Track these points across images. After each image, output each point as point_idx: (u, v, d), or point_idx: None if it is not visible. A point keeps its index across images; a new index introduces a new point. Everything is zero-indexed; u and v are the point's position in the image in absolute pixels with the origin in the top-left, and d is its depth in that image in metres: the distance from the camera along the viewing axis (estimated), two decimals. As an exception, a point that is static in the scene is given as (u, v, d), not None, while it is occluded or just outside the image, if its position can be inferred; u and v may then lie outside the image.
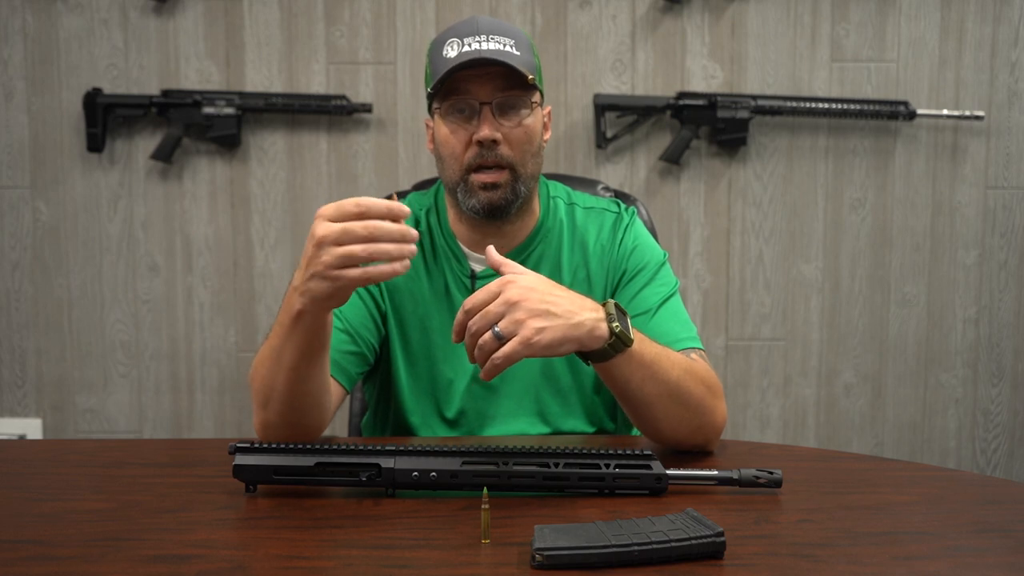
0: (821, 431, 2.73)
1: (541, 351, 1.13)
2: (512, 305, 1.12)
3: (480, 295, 1.13)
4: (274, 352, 1.21)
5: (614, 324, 1.17)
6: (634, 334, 1.20)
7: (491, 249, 1.21)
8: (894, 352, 2.71)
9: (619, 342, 1.18)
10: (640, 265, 1.46)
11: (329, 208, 1.09)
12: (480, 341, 1.12)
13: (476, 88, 1.37)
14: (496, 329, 1.12)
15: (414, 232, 1.09)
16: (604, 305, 1.19)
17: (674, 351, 1.28)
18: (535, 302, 1.13)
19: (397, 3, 2.57)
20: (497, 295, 1.13)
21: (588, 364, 1.22)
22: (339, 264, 1.08)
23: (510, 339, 1.11)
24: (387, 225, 1.07)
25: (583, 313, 1.16)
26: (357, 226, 1.07)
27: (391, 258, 1.08)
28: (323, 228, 1.08)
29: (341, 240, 1.07)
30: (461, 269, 1.47)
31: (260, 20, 2.57)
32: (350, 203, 1.08)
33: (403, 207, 1.09)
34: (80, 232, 2.62)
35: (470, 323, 1.13)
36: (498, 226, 1.44)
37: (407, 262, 1.09)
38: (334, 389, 1.35)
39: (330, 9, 2.57)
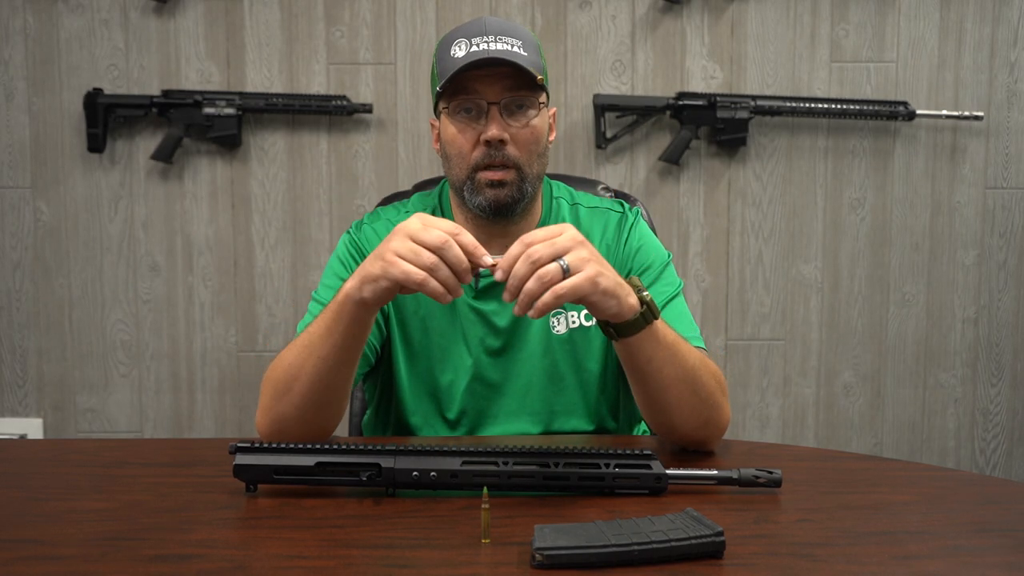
0: (820, 431, 2.73)
1: (600, 295, 1.14)
2: (580, 243, 1.14)
3: (541, 231, 1.14)
4: (310, 340, 1.24)
5: (644, 293, 1.19)
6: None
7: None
8: (893, 352, 2.71)
9: (649, 312, 1.19)
10: (645, 264, 1.47)
11: (442, 227, 1.15)
12: (542, 271, 1.11)
13: (484, 88, 1.37)
14: (564, 261, 1.12)
15: (467, 277, 1.14)
16: (628, 280, 1.21)
17: (689, 344, 1.29)
18: (593, 250, 1.15)
19: (397, 3, 2.58)
20: (560, 233, 1.14)
21: (614, 340, 1.22)
22: (411, 261, 1.13)
23: (575, 273, 1.12)
24: (459, 255, 1.12)
25: (620, 279, 1.18)
26: (446, 245, 1.12)
27: (446, 281, 1.12)
28: (434, 236, 1.13)
29: (421, 244, 1.13)
30: (466, 268, 1.47)
31: (260, 20, 2.58)
32: (437, 233, 1.14)
33: (488, 259, 1.13)
34: (81, 232, 2.62)
35: (531, 250, 1.12)
36: (503, 226, 1.45)
37: (448, 296, 1.13)
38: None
39: (330, 9, 2.58)
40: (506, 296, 1.13)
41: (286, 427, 1.27)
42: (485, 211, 1.41)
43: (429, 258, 1.12)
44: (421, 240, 1.13)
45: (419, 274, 1.12)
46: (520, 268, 1.11)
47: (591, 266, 1.13)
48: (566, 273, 1.12)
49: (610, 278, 1.15)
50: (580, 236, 1.15)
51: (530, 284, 1.11)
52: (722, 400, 1.29)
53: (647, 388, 1.26)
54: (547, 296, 1.11)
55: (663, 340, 1.22)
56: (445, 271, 1.12)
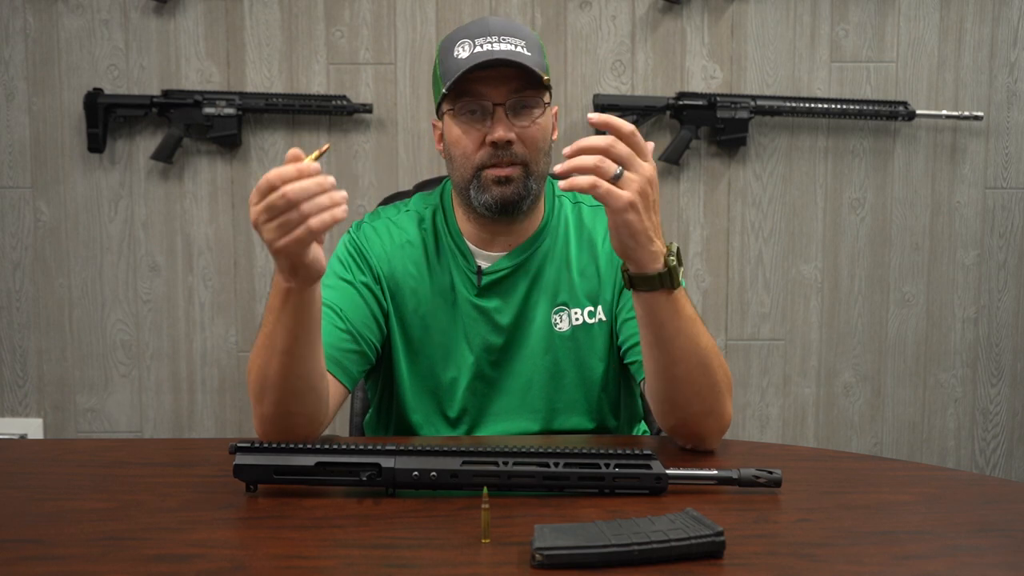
0: (820, 431, 2.73)
1: (623, 222, 1.16)
2: (645, 178, 1.16)
3: (642, 139, 1.18)
4: (267, 339, 1.21)
5: (671, 258, 1.20)
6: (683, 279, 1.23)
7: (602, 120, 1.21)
8: (893, 352, 2.71)
9: (668, 277, 1.19)
10: None
11: (252, 193, 1.10)
12: (605, 165, 1.14)
13: (489, 90, 1.37)
14: (620, 170, 1.15)
15: (330, 179, 1.09)
16: (668, 245, 1.21)
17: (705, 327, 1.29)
18: (654, 197, 1.18)
19: (397, 3, 2.58)
20: (648, 159, 1.18)
21: (630, 288, 1.23)
22: (280, 235, 1.08)
23: (620, 187, 1.15)
24: (302, 184, 1.07)
25: (657, 236, 1.20)
26: (275, 197, 1.07)
27: (324, 208, 1.08)
28: (253, 213, 1.10)
29: (271, 215, 1.08)
30: (468, 265, 1.47)
31: (260, 20, 2.58)
32: (261, 182, 1.09)
33: (311, 165, 1.09)
34: (81, 232, 2.62)
35: (614, 141, 1.15)
36: (506, 224, 1.45)
37: (344, 207, 1.09)
38: (335, 388, 1.35)
39: (330, 9, 2.58)
40: (566, 150, 1.15)
41: (275, 425, 1.25)
42: (491, 209, 1.40)
43: (296, 213, 1.07)
44: (273, 210, 1.08)
45: (305, 230, 1.07)
46: (591, 144, 1.15)
47: (634, 195, 1.15)
48: (616, 179, 1.14)
49: (643, 222, 1.16)
50: (652, 173, 1.17)
51: (587, 159, 1.14)
52: (727, 395, 1.28)
53: (657, 355, 1.25)
54: (589, 180, 1.14)
55: (680, 311, 1.22)
56: (315, 201, 1.07)
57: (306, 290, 1.16)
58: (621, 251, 1.20)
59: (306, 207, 1.07)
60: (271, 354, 1.21)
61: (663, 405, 1.28)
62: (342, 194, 1.10)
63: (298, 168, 1.08)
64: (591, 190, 1.13)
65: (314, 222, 1.08)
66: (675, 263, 1.20)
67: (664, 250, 1.20)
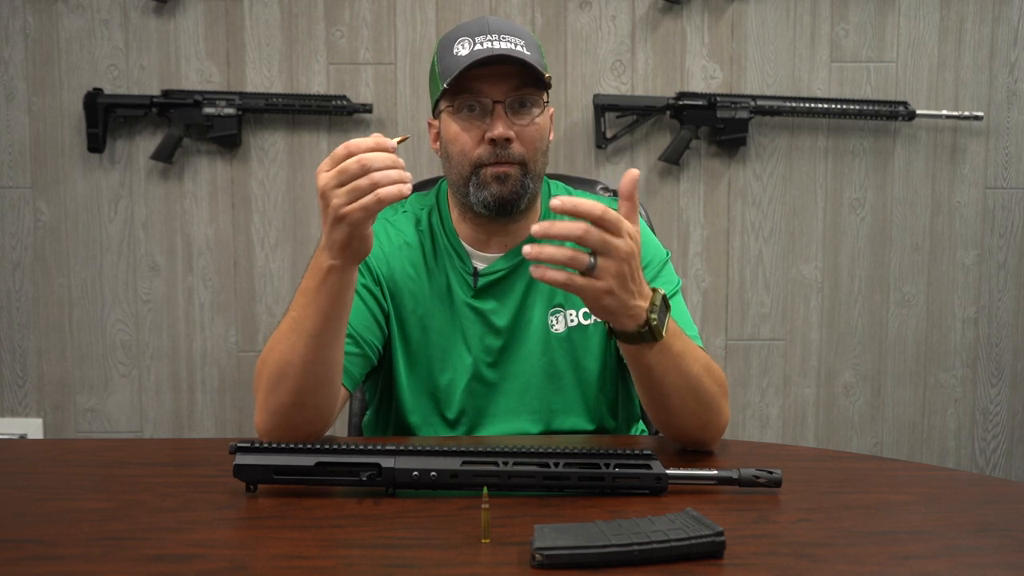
0: (820, 431, 2.73)
1: (599, 308, 1.15)
2: (622, 258, 1.11)
3: (613, 216, 1.10)
4: (295, 323, 1.23)
5: (652, 315, 1.17)
6: (667, 326, 1.20)
7: (634, 173, 1.16)
8: (893, 352, 2.71)
9: (649, 334, 1.18)
10: (643, 263, 1.46)
11: (324, 162, 1.15)
12: (578, 258, 1.10)
13: (489, 87, 1.37)
14: (594, 261, 1.11)
15: (400, 161, 1.14)
16: (653, 293, 1.19)
17: (697, 347, 1.29)
18: (632, 270, 1.13)
19: (397, 3, 2.58)
20: (626, 237, 1.11)
21: (612, 338, 1.22)
22: (348, 200, 1.13)
23: (596, 277, 1.11)
24: (377, 155, 1.13)
25: (638, 298, 1.16)
26: (350, 163, 1.13)
27: (393, 181, 1.13)
28: (323, 179, 1.14)
29: (342, 181, 1.13)
30: (464, 267, 1.47)
31: (260, 20, 2.58)
32: (339, 149, 1.14)
33: (389, 141, 1.14)
34: (81, 232, 2.63)
35: (590, 228, 1.09)
36: (503, 224, 1.45)
37: (409, 185, 1.13)
38: (338, 389, 1.35)
39: (330, 9, 2.58)
40: (535, 229, 1.09)
41: (285, 418, 1.25)
42: (489, 206, 1.40)
43: (367, 179, 1.11)
44: (346, 175, 1.12)
45: (375, 197, 1.11)
46: (568, 231, 1.09)
47: (608, 282, 1.11)
48: (589, 270, 1.11)
49: (619, 300, 1.13)
50: (630, 251, 1.12)
51: (559, 253, 1.10)
52: (723, 402, 1.29)
53: (649, 392, 1.26)
54: (555, 274, 1.11)
55: (668, 353, 1.21)
56: (387, 173, 1.12)
57: (348, 269, 1.20)
58: (600, 318, 1.20)
59: (378, 175, 1.12)
60: (298, 337, 1.22)
61: (659, 423, 1.30)
62: (408, 175, 1.15)
63: (376, 141, 1.14)
64: (565, 287, 1.12)
65: (383, 192, 1.12)
66: (656, 321, 1.17)
67: (645, 306, 1.17)
